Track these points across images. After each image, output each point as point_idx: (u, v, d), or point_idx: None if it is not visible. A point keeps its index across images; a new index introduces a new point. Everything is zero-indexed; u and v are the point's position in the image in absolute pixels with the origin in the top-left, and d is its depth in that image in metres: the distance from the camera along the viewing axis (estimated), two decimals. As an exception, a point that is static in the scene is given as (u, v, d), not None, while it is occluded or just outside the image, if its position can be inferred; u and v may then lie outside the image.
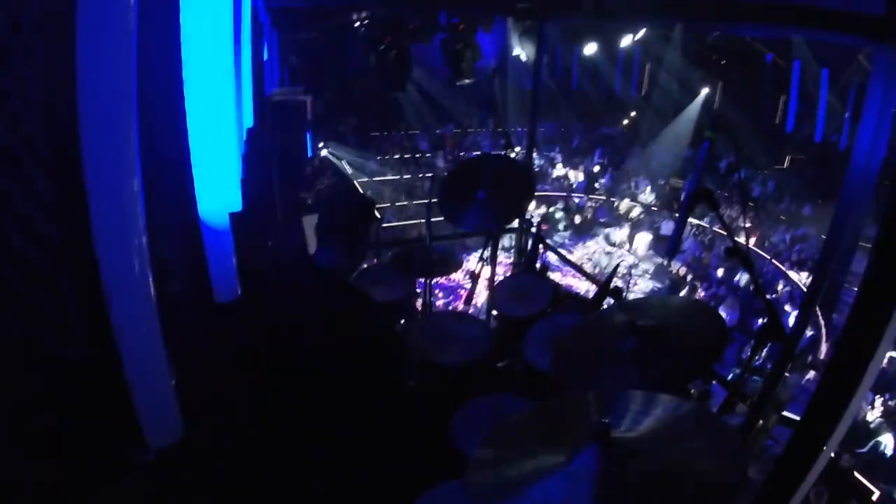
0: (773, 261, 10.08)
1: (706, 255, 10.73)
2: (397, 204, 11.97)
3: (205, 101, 1.79)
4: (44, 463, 1.02)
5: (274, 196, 4.87)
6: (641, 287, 10.35)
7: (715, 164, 12.39)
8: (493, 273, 3.84)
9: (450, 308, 8.42)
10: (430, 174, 11.96)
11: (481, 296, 5.03)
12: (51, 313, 1.11)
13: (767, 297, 1.96)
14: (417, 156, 14.21)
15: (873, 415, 6.27)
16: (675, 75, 12.79)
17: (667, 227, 11.68)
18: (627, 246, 11.68)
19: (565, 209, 12.51)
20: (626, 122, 15.77)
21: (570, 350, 2.06)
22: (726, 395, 2.43)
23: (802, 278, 9.52)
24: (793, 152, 12.73)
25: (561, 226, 11.99)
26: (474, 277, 3.57)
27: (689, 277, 10.32)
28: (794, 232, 10.83)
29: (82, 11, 0.96)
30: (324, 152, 13.00)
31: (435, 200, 3.20)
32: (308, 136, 12.96)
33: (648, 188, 13.17)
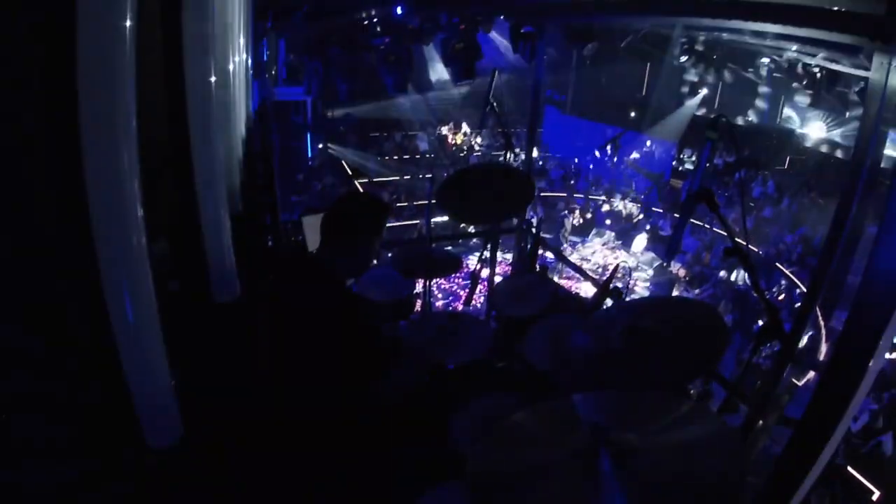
0: (778, 264, 10.07)
1: (706, 256, 10.72)
2: (397, 204, 11.97)
3: (206, 99, 1.79)
4: (44, 463, 1.02)
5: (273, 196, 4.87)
6: (641, 287, 10.35)
7: (713, 163, 12.39)
8: (493, 273, 3.84)
9: (450, 308, 8.42)
10: (429, 174, 11.97)
11: (481, 296, 5.03)
12: (51, 314, 1.11)
13: (767, 296, 1.96)
14: (417, 156, 14.23)
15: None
16: (676, 75, 12.78)
17: (665, 227, 11.68)
18: (626, 246, 11.68)
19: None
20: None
21: (569, 350, 2.06)
22: (726, 395, 2.43)
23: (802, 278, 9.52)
24: (793, 152, 12.73)
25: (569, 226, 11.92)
26: (474, 278, 3.57)
27: (689, 278, 10.32)
28: (792, 232, 10.84)
29: (82, 11, 0.96)
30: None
31: (434, 201, 3.20)
32: (308, 136, 12.96)
33: (648, 187, 13.19)
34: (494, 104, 3.53)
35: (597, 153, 14.44)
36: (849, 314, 1.26)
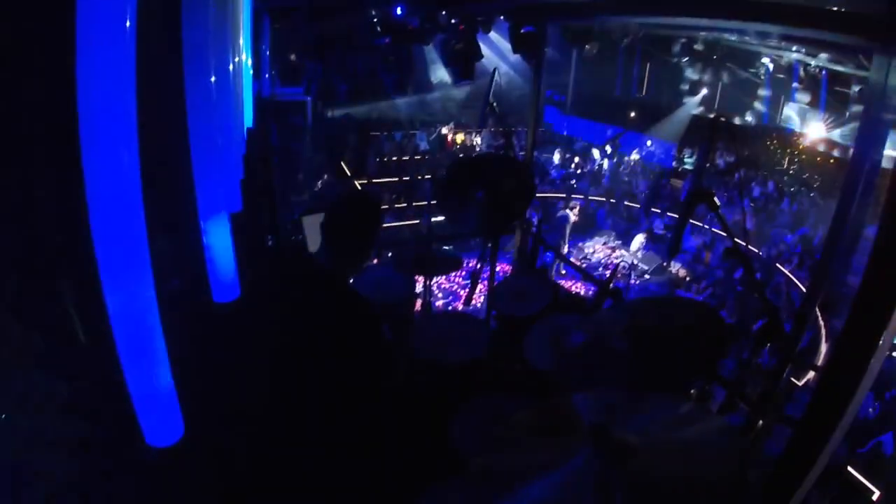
0: (778, 265, 10.07)
1: (706, 255, 10.72)
2: (396, 205, 11.96)
3: (205, 100, 1.79)
4: (44, 463, 1.02)
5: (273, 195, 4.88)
6: (641, 287, 10.34)
7: (713, 163, 12.39)
8: (493, 273, 3.84)
9: (450, 308, 8.41)
10: (429, 174, 11.97)
11: (481, 296, 5.03)
12: (50, 313, 1.11)
13: (766, 296, 1.96)
14: (417, 156, 14.23)
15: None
16: (676, 75, 12.79)
17: (658, 227, 11.70)
18: (626, 246, 11.68)
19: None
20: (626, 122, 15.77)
21: (569, 350, 2.06)
22: (726, 395, 2.42)
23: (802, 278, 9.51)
24: (792, 152, 12.72)
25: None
26: (474, 277, 3.57)
27: (689, 278, 10.31)
28: (792, 232, 10.84)
29: (82, 11, 0.96)
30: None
31: (434, 202, 3.20)
32: (308, 137, 12.96)
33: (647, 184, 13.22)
34: (494, 104, 3.54)
35: (596, 153, 14.46)
36: (849, 314, 1.26)
